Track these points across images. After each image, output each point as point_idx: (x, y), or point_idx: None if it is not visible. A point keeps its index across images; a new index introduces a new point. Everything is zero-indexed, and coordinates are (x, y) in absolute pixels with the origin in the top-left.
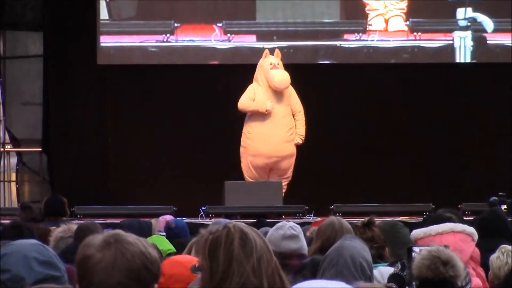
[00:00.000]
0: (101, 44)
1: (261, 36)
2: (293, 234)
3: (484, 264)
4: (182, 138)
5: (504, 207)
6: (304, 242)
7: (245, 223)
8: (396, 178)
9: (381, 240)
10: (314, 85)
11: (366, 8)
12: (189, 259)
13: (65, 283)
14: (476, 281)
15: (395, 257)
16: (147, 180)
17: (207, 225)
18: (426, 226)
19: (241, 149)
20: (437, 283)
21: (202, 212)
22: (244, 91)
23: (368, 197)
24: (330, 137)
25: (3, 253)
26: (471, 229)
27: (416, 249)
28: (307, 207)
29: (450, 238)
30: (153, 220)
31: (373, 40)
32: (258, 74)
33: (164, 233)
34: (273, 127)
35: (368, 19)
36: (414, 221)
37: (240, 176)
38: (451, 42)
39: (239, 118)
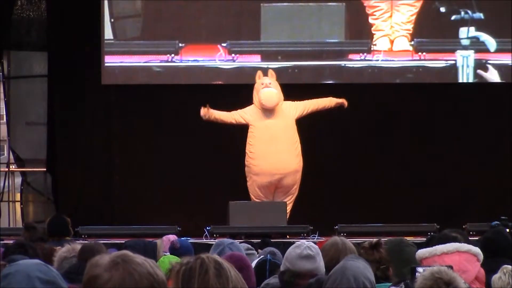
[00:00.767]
0: (106, 64)
1: (266, 56)
2: (309, 254)
3: (488, 284)
4: (187, 158)
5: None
6: (321, 264)
7: (250, 243)
8: (400, 197)
9: (387, 261)
10: None
11: (372, 29)
12: None
13: None
14: None
15: (398, 276)
16: (151, 200)
17: (211, 245)
18: (432, 246)
19: (246, 169)
20: None
21: (206, 232)
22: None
23: (372, 217)
24: (334, 156)
25: (6, 272)
26: (477, 249)
27: (419, 269)
28: (312, 227)
29: (455, 258)
30: (158, 241)
31: (377, 60)
32: (253, 95)
33: (168, 254)
34: (274, 144)
35: (374, 39)
36: (418, 241)
37: (245, 196)
38: (454, 61)
39: (245, 137)
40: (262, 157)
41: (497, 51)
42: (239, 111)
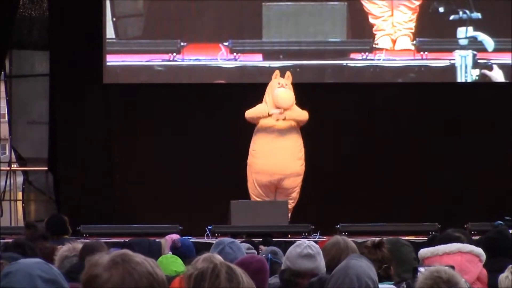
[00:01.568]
0: (108, 63)
1: (268, 55)
2: (309, 253)
3: (490, 284)
4: (189, 157)
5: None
6: (321, 263)
7: (251, 242)
8: (401, 197)
9: (389, 260)
10: (320, 104)
11: (374, 29)
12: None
13: None
14: None
15: (398, 276)
16: (152, 199)
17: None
18: (434, 245)
19: (247, 168)
20: None
21: (208, 232)
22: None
23: (374, 216)
24: (336, 156)
25: (7, 271)
26: (479, 250)
27: (421, 269)
28: (313, 227)
29: (457, 259)
30: (163, 240)
31: (379, 59)
32: (267, 94)
33: (170, 253)
34: (278, 145)
35: (375, 38)
36: (420, 241)
37: (247, 195)
38: (454, 61)
39: (246, 137)
40: (264, 155)
41: (495, 50)
42: (260, 105)
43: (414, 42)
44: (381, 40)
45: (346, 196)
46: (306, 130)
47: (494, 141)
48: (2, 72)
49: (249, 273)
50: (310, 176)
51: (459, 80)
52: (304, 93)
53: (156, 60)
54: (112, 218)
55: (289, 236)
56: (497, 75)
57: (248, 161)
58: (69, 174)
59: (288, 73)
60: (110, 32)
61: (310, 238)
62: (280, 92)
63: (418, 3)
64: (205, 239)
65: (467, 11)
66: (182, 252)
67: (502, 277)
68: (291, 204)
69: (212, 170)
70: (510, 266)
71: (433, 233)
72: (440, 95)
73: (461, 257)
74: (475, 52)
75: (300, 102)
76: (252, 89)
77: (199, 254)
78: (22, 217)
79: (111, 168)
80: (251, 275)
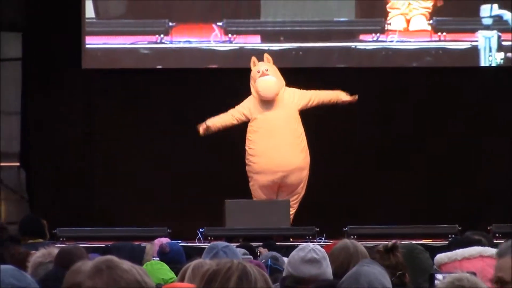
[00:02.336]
0: (87, 46)
1: (266, 37)
2: (313, 258)
3: None
4: (179, 151)
5: None
6: (327, 269)
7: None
8: (416, 196)
9: (404, 266)
10: None
11: (388, 6)
12: (186, 287)
13: None
14: None
15: (415, 285)
16: (138, 198)
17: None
18: (452, 250)
19: (247, 168)
20: None
21: (200, 235)
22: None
23: (386, 217)
24: (343, 151)
25: None
26: None
27: (439, 276)
28: (318, 229)
29: (478, 264)
30: (148, 245)
31: (392, 41)
32: (251, 85)
33: (158, 258)
34: (275, 138)
35: (388, 18)
36: (438, 245)
37: (243, 194)
38: (477, 43)
39: (243, 128)
40: (262, 153)
41: None
42: (237, 107)
43: (431, 21)
44: (394, 20)
45: (356, 194)
46: (311, 121)
47: None
48: None
49: None
50: (315, 171)
51: (482, 64)
52: (308, 79)
53: (142, 42)
54: (92, 220)
55: (291, 239)
56: None
57: (246, 161)
58: (43, 171)
59: (266, 55)
60: (89, 11)
61: (315, 241)
62: (261, 83)
63: None
64: (197, 243)
65: None
66: (171, 257)
67: None
68: (295, 201)
69: (205, 165)
70: None
71: (453, 236)
72: (460, 82)
73: (483, 261)
74: (500, 33)
75: (304, 88)
76: (249, 74)
77: (190, 260)
78: None
79: (91, 164)
80: None
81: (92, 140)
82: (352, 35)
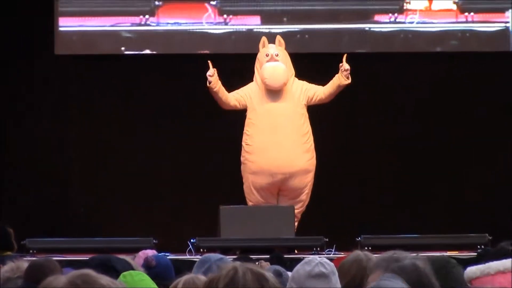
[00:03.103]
0: (60, 29)
1: (267, 18)
2: (321, 272)
3: None
4: (166, 150)
5: None
6: (336, 285)
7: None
8: (441, 200)
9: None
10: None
11: None
12: None
13: None
14: None
15: None
16: (120, 204)
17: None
18: (484, 262)
19: (241, 167)
20: None
21: (190, 246)
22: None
23: (406, 226)
24: (356, 147)
25: None
26: None
27: None
28: (327, 239)
29: None
30: (129, 258)
31: (412, 23)
32: (256, 69)
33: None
34: (277, 134)
35: None
36: (465, 257)
37: (240, 200)
38: (508, 24)
39: (240, 124)
40: (261, 151)
41: None
42: (237, 91)
43: (457, 0)
44: None
45: (370, 199)
46: (318, 114)
47: None
48: None
49: None
50: (323, 173)
51: None
52: (315, 66)
53: (124, 24)
54: (67, 230)
55: (296, 251)
56: None
57: (242, 158)
58: (9, 171)
59: (279, 38)
60: None
61: (323, 254)
62: (268, 69)
63: None
64: (188, 256)
65: None
66: (158, 272)
67: None
68: (298, 210)
69: (196, 167)
70: None
71: (483, 246)
72: (489, 68)
73: None
74: None
75: (311, 77)
76: (247, 61)
77: (180, 275)
78: None
79: (66, 164)
80: None
81: (66, 136)
82: (366, 16)
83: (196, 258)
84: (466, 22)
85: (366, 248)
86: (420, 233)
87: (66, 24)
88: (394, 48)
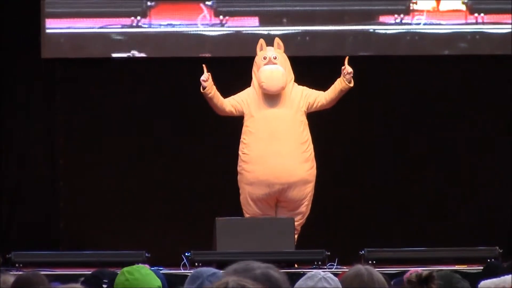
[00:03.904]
0: (47, 31)
1: (266, 19)
2: None
3: None
4: (159, 159)
5: None
6: None
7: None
8: (448, 212)
9: None
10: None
11: None
12: None
13: None
14: None
15: None
16: (111, 216)
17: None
18: (498, 276)
19: (238, 177)
20: None
21: (185, 260)
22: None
23: (411, 239)
24: (360, 155)
25: None
26: None
27: None
28: (329, 253)
29: None
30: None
31: (419, 24)
32: (253, 73)
33: None
34: (276, 143)
35: None
36: (474, 271)
37: (237, 212)
38: None
39: (237, 131)
40: (259, 160)
41: None
42: (234, 97)
43: (466, 0)
44: None
45: (374, 211)
46: (318, 121)
47: None
48: None
49: None
50: (324, 184)
51: None
52: (317, 70)
53: (114, 25)
54: (55, 242)
55: (296, 265)
56: None
57: (238, 168)
58: None
59: (277, 40)
60: None
61: (325, 268)
62: (266, 72)
63: None
64: (182, 270)
65: None
66: None
67: None
68: (298, 222)
69: (191, 177)
70: None
71: (492, 260)
72: (501, 72)
73: None
74: None
75: (312, 82)
76: (245, 65)
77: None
78: None
79: (53, 173)
80: None
81: (54, 145)
82: (370, 17)
83: (190, 272)
84: (476, 23)
85: (370, 262)
86: (427, 246)
87: (53, 26)
88: (400, 50)
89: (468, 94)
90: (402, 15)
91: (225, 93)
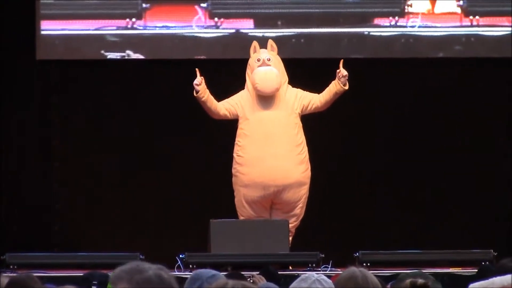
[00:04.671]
0: (43, 32)
1: (261, 21)
2: None
3: None
4: (154, 161)
5: None
6: None
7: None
8: (443, 215)
9: None
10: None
11: None
12: None
13: None
14: None
15: None
16: (105, 218)
17: (186, 279)
18: (487, 279)
19: (232, 179)
20: None
21: (179, 262)
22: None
23: (406, 241)
24: (354, 158)
25: None
26: None
27: None
28: (323, 255)
29: None
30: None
31: (414, 27)
32: (247, 76)
33: None
34: (271, 145)
35: None
36: (468, 274)
37: (231, 214)
38: None
39: (232, 134)
40: (254, 162)
41: None
42: (227, 100)
43: (461, 2)
44: (417, 1)
45: (368, 213)
46: (313, 123)
47: None
48: None
49: None
50: (318, 186)
51: None
52: (312, 72)
53: (109, 27)
54: (49, 244)
55: (290, 267)
56: None
57: (233, 170)
58: None
59: (271, 42)
60: None
61: (319, 270)
62: (260, 74)
63: None
64: (176, 272)
65: None
66: None
67: None
68: (293, 224)
69: (186, 179)
70: None
71: (486, 263)
72: (496, 74)
73: None
74: None
75: (307, 85)
76: (239, 67)
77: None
78: None
79: (48, 174)
80: None
81: (49, 147)
82: (365, 19)
83: (185, 274)
84: (471, 26)
85: (364, 264)
86: (421, 248)
87: (49, 27)
88: (395, 53)
89: (464, 96)
90: (397, 18)
91: (220, 95)
